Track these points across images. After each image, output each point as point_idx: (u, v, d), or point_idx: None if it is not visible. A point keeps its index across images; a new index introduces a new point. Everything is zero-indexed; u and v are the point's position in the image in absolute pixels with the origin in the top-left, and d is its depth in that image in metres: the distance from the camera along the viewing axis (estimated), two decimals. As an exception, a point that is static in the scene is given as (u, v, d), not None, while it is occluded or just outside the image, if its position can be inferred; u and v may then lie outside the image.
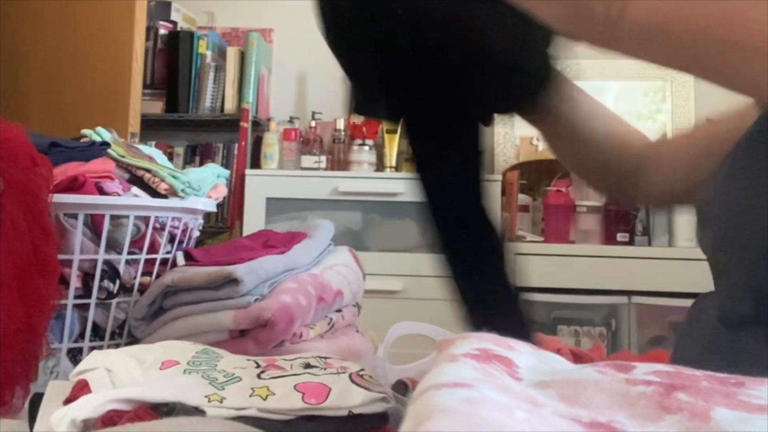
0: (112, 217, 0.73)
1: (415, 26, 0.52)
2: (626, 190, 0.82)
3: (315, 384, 0.49)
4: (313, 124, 2.62)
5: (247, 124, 2.59)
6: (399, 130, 2.55)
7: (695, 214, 0.65)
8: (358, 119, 2.64)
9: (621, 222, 2.31)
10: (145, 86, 2.43)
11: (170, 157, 2.65)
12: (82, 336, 0.73)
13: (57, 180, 0.69)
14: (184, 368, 0.52)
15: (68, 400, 0.51)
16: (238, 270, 0.70)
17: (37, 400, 0.53)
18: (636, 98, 2.81)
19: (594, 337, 2.24)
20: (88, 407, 0.45)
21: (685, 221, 2.22)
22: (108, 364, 0.53)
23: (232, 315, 0.70)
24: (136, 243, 0.77)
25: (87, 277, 0.73)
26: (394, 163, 2.56)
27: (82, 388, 0.51)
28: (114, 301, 0.74)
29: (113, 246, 0.74)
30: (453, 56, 0.53)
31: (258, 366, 0.54)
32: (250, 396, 0.47)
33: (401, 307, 2.23)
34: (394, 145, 2.56)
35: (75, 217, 0.70)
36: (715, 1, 0.43)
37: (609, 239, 2.31)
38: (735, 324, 0.52)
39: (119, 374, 0.51)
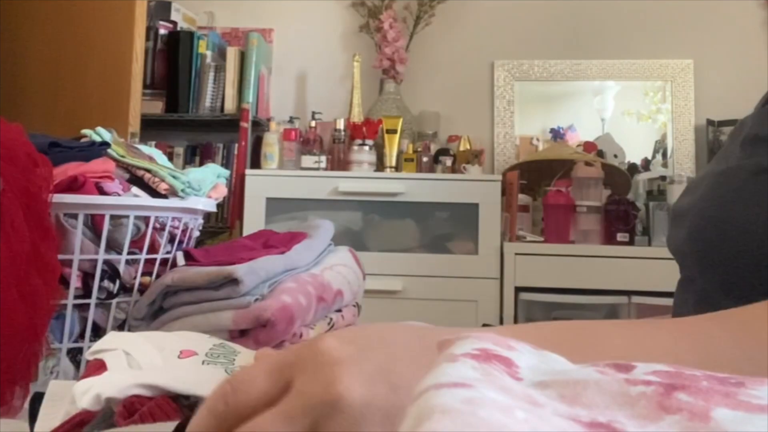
0: (112, 217, 0.73)
1: None
2: None
3: None
4: (313, 124, 2.62)
5: (247, 124, 2.59)
6: (399, 130, 2.56)
7: (669, 215, 0.70)
8: (358, 119, 2.64)
9: (621, 222, 2.31)
10: (145, 86, 2.43)
11: (170, 157, 2.64)
12: (82, 336, 0.73)
13: (57, 180, 0.69)
14: (202, 359, 0.52)
15: (84, 378, 0.50)
16: (238, 270, 0.70)
17: (37, 400, 0.52)
18: (636, 98, 2.81)
19: (594, 337, 2.23)
20: (114, 386, 0.45)
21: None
22: (126, 347, 0.52)
23: (232, 315, 0.70)
24: (136, 243, 0.77)
25: (87, 277, 0.73)
26: (394, 163, 2.56)
27: (98, 368, 0.51)
28: (114, 301, 0.74)
29: (113, 246, 0.75)
30: None
31: None
32: None
33: (401, 307, 2.24)
34: (394, 145, 2.56)
35: (75, 217, 0.70)
36: None
37: (609, 239, 2.31)
38: None
39: (137, 357, 0.51)
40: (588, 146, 2.63)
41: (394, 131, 2.55)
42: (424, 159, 2.56)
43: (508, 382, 0.24)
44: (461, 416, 0.20)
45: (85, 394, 0.45)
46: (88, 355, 0.53)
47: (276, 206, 2.43)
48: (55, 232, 0.65)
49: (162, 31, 2.72)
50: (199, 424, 0.30)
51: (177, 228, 0.82)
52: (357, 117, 2.67)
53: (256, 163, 2.63)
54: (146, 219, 0.76)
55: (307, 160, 2.52)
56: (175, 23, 2.76)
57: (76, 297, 0.71)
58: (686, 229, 0.59)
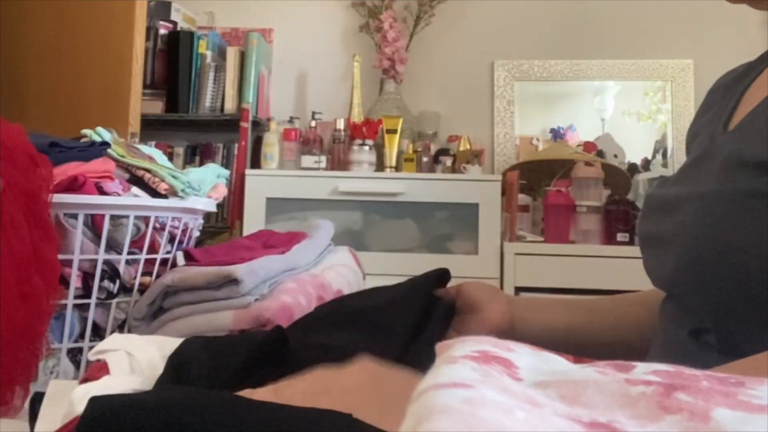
0: (112, 217, 0.73)
1: None
2: None
3: None
4: (313, 124, 2.62)
5: (247, 124, 2.59)
6: (399, 130, 2.56)
7: (639, 244, 0.67)
8: (358, 119, 2.64)
9: (621, 222, 2.31)
10: (145, 86, 2.43)
11: (170, 157, 2.64)
12: (82, 336, 0.73)
13: (57, 180, 0.69)
14: None
15: (85, 380, 0.51)
16: (238, 270, 0.70)
17: (37, 400, 0.52)
18: (636, 98, 2.81)
19: (594, 337, 2.23)
20: (112, 392, 0.45)
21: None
22: (129, 348, 0.52)
23: (232, 315, 0.70)
24: (136, 243, 0.77)
25: (87, 277, 0.73)
26: (394, 163, 2.56)
27: (100, 370, 0.51)
28: (114, 301, 0.74)
29: (113, 246, 0.75)
30: None
31: None
32: None
33: (401, 307, 2.23)
34: (394, 145, 2.56)
35: (75, 217, 0.70)
36: None
37: (609, 239, 2.31)
38: (704, 342, 0.54)
39: (139, 359, 0.51)
40: (588, 146, 2.63)
41: (394, 131, 2.55)
42: (424, 159, 2.56)
43: (508, 383, 0.24)
44: (461, 416, 0.20)
45: (84, 398, 0.45)
46: (90, 356, 0.53)
47: (276, 206, 2.43)
48: (55, 232, 0.65)
49: (162, 31, 2.72)
50: None
51: (177, 228, 0.82)
52: (357, 117, 2.67)
53: (256, 163, 2.63)
54: (146, 219, 0.76)
55: (307, 160, 2.52)
56: (175, 23, 2.76)
57: (76, 297, 0.71)
58: (676, 258, 0.57)
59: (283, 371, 0.45)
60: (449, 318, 0.71)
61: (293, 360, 0.51)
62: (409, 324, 0.62)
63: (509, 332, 0.70)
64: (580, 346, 0.73)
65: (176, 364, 0.49)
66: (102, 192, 0.74)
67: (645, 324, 0.71)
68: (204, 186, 0.88)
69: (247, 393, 0.39)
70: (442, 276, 0.73)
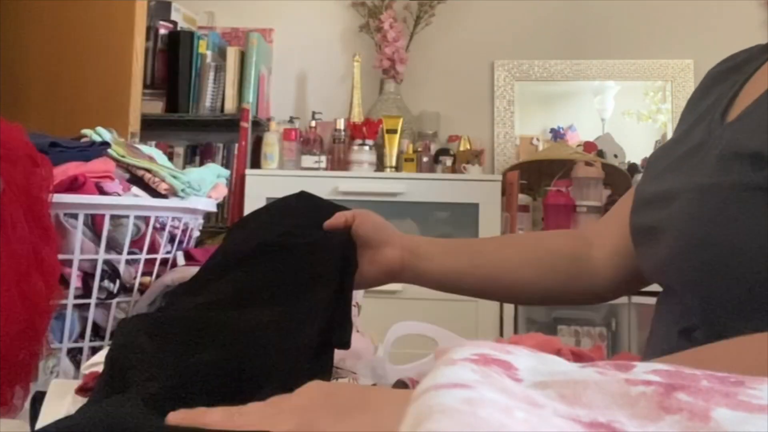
0: (112, 217, 0.73)
1: None
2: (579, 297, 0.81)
3: None
4: (313, 124, 2.62)
5: (247, 124, 2.59)
6: (399, 130, 2.56)
7: (632, 237, 0.67)
8: (358, 119, 2.64)
9: (621, 222, 2.31)
10: (145, 86, 2.43)
11: (170, 157, 2.64)
12: (82, 336, 0.73)
13: (57, 180, 0.69)
14: None
15: (81, 389, 0.51)
16: (238, 270, 0.70)
17: (37, 400, 0.53)
18: (636, 98, 2.81)
19: (594, 337, 2.24)
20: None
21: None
22: None
23: (232, 315, 0.69)
24: (136, 243, 0.77)
25: (87, 277, 0.73)
26: (394, 163, 2.56)
27: (93, 379, 0.51)
28: (114, 301, 0.74)
29: (113, 246, 0.75)
30: None
31: None
32: None
33: (401, 307, 2.23)
34: (394, 145, 2.56)
35: (75, 217, 0.70)
36: None
37: (609, 239, 2.31)
38: (693, 339, 0.54)
39: None
40: (588, 146, 2.63)
41: (394, 131, 2.55)
42: (424, 159, 2.56)
43: (508, 384, 0.24)
44: (461, 416, 0.20)
45: None
46: (83, 369, 0.54)
47: (276, 206, 2.43)
48: (55, 232, 0.65)
49: (162, 31, 2.72)
50: None
51: (177, 228, 0.82)
52: (357, 117, 2.67)
53: (256, 163, 2.63)
54: (146, 219, 0.76)
55: (307, 160, 2.52)
56: (175, 23, 2.76)
57: (76, 297, 0.71)
58: (668, 248, 0.57)
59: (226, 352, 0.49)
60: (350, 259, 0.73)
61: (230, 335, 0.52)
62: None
63: (399, 275, 0.75)
64: (470, 289, 0.77)
65: (115, 358, 0.48)
66: (102, 192, 0.74)
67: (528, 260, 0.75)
68: (204, 186, 0.88)
69: (198, 413, 0.41)
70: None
